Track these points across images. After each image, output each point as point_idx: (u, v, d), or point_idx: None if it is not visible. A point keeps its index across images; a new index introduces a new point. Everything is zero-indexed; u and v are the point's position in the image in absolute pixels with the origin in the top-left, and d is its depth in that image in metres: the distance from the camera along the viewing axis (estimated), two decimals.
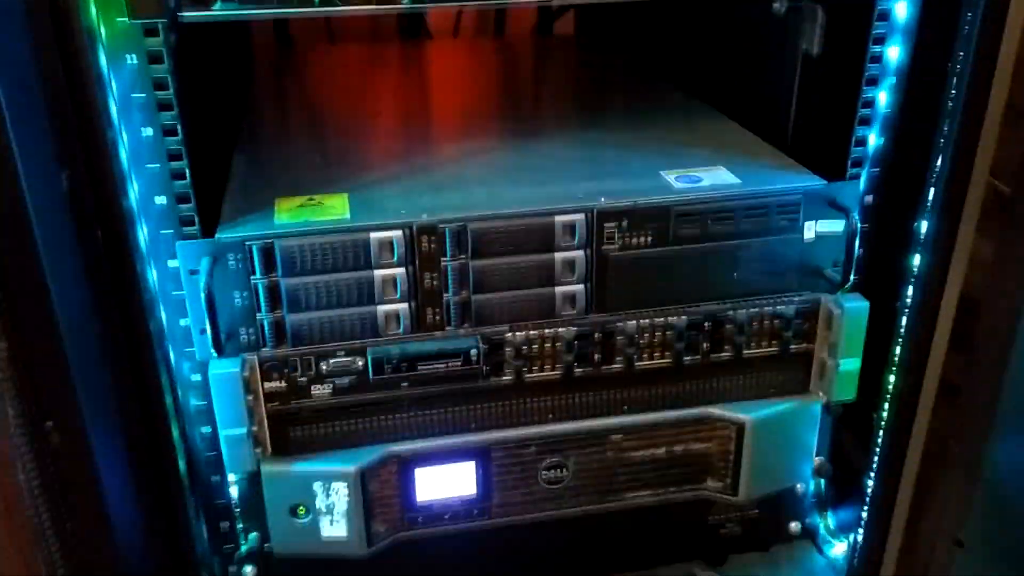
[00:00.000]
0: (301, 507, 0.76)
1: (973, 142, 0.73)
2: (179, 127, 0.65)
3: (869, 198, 0.80)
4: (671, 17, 1.13)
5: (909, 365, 0.81)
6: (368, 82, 1.17)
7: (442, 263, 0.73)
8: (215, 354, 0.70)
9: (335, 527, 0.77)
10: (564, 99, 1.13)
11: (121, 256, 0.63)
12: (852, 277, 0.78)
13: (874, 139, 0.78)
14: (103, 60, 0.62)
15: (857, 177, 0.78)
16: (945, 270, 0.78)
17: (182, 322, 0.72)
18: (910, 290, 0.79)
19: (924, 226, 0.77)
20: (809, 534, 0.95)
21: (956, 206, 0.75)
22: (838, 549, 0.92)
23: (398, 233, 0.71)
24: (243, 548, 0.80)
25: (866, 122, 0.77)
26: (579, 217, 0.73)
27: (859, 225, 0.76)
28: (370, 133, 0.94)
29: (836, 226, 0.77)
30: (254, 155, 0.87)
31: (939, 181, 0.75)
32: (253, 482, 0.76)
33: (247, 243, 0.69)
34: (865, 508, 0.88)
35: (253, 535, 0.80)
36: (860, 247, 0.77)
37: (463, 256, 0.73)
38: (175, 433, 0.72)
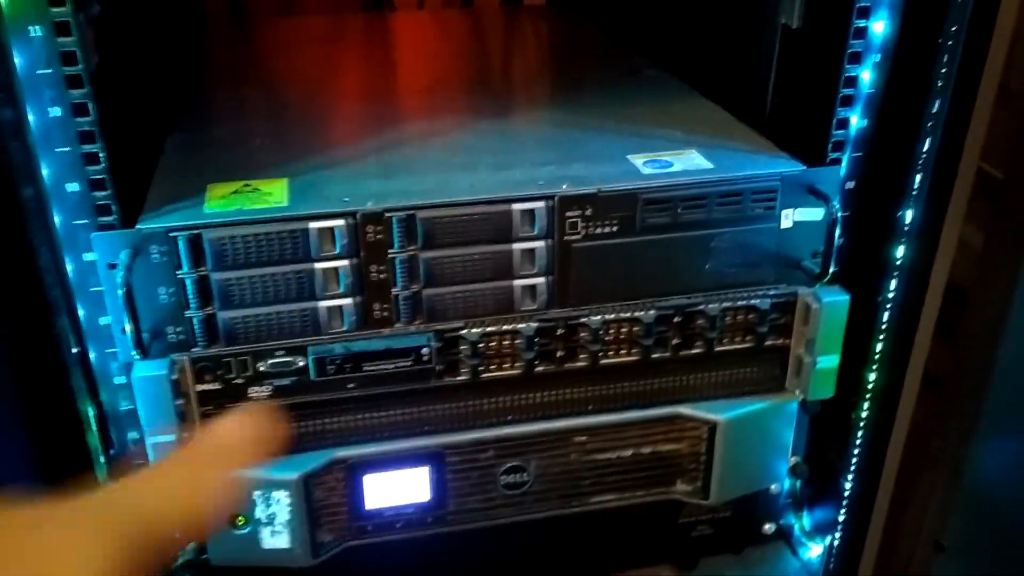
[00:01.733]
0: (240, 517, 0.71)
1: (963, 123, 0.68)
2: (92, 105, 0.58)
3: (851, 184, 0.75)
4: None
5: (891, 361, 0.76)
6: (324, 57, 1.10)
7: (390, 255, 0.67)
8: (138, 356, 0.64)
9: (277, 537, 0.72)
10: (531, 76, 1.07)
11: (22, 248, 0.57)
12: (832, 269, 0.73)
13: (856, 120, 0.73)
14: (3, 31, 0.55)
15: (838, 162, 0.73)
16: (931, 260, 0.73)
17: (103, 320, 0.66)
18: (893, 283, 0.75)
19: (909, 215, 0.72)
20: (783, 535, 0.90)
21: (944, 192, 0.71)
22: (813, 551, 0.88)
23: (341, 222, 0.65)
24: (180, 559, 0.75)
25: (848, 102, 0.72)
26: (539, 205, 0.68)
27: (840, 213, 0.71)
28: (320, 113, 0.88)
29: (815, 214, 0.72)
30: (190, 137, 0.80)
31: (926, 165, 0.70)
32: None
33: (172, 234, 0.63)
34: (842, 509, 0.83)
35: (189, 545, 0.75)
36: (841, 236, 0.72)
37: (413, 247, 0.67)
38: (92, 441, 0.66)
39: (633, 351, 0.74)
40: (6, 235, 0.56)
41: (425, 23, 1.31)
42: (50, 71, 0.57)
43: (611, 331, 0.73)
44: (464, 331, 0.70)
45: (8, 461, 0.58)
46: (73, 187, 0.61)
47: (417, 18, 1.33)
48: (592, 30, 1.19)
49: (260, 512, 0.70)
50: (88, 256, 0.63)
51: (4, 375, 0.58)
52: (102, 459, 0.69)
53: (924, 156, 0.70)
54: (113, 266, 0.62)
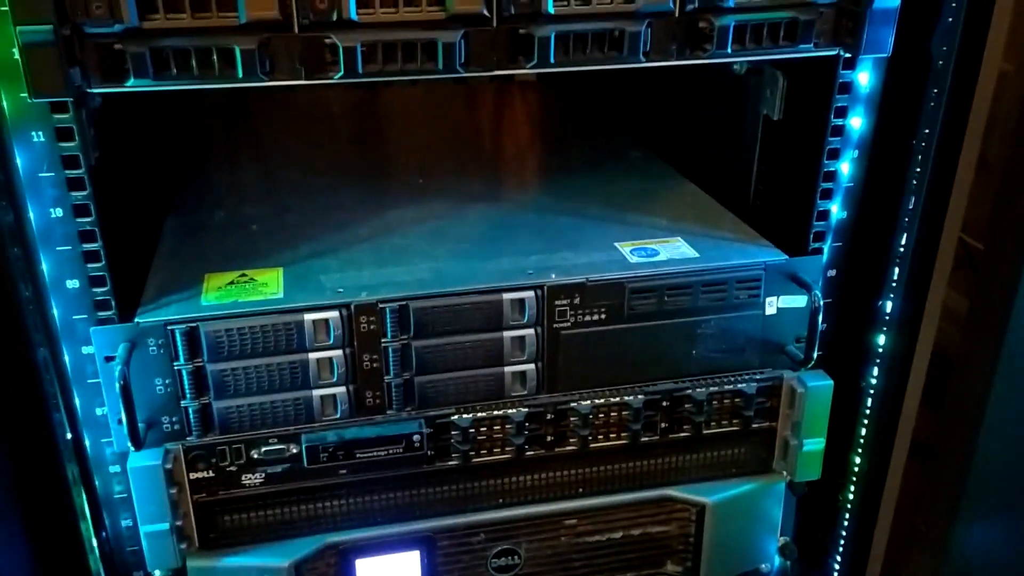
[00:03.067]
0: None
1: (942, 210, 0.70)
2: (92, 206, 0.60)
3: (832, 272, 0.77)
4: (635, 70, 1.10)
5: (876, 444, 0.78)
6: (317, 137, 1.12)
7: (382, 344, 0.68)
8: (133, 449, 0.64)
9: None
10: (520, 158, 1.09)
11: (19, 345, 0.58)
12: (815, 354, 0.74)
13: (837, 211, 0.75)
14: (6, 136, 0.57)
15: (820, 251, 0.75)
16: (912, 348, 0.75)
17: (100, 410, 0.66)
18: (875, 369, 0.76)
19: (889, 305, 0.74)
20: None
21: (924, 281, 0.73)
22: None
23: (334, 314, 0.66)
24: None
25: (828, 195, 0.74)
26: (529, 295, 0.69)
27: (822, 301, 0.73)
28: (314, 197, 0.89)
29: (798, 301, 0.74)
30: (188, 220, 0.82)
31: (905, 257, 0.72)
32: None
33: (169, 327, 0.64)
34: None
35: None
36: (823, 323, 0.74)
37: (405, 336, 0.68)
38: (84, 529, 0.67)
39: (622, 435, 0.75)
40: (4, 333, 0.57)
41: (416, 97, 1.33)
42: (51, 174, 0.59)
43: (600, 416, 0.74)
44: (455, 417, 0.72)
45: (2, 548, 0.58)
46: (73, 284, 0.62)
47: (408, 92, 1.36)
48: (581, 109, 1.21)
49: None
50: (87, 349, 0.64)
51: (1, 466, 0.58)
52: (95, 544, 0.69)
53: (903, 248, 0.72)
54: (111, 359, 0.63)
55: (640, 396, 0.74)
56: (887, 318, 0.74)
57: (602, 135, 1.09)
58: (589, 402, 0.73)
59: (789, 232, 0.76)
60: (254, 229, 0.80)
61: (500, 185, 0.94)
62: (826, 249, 0.75)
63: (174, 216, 0.82)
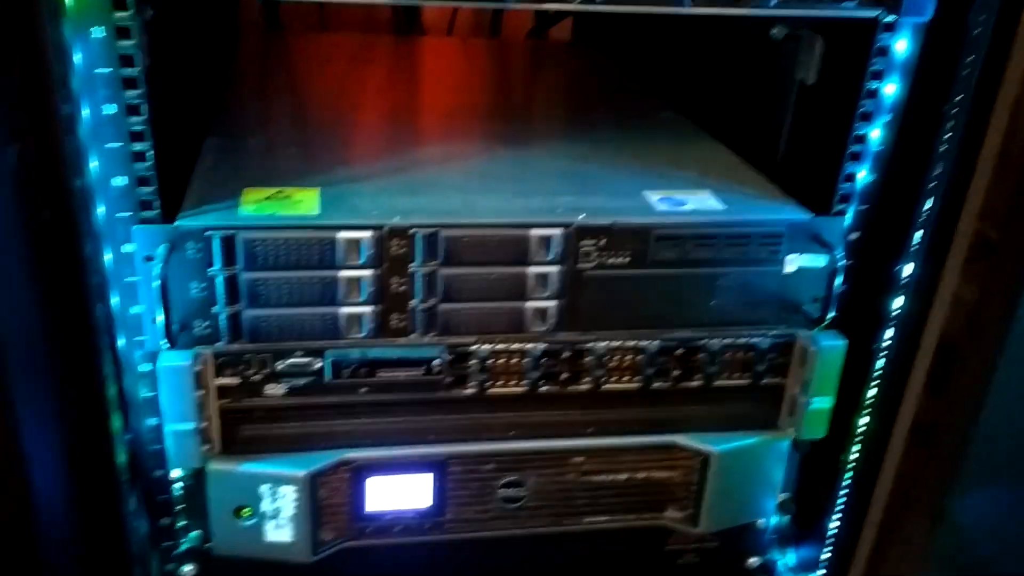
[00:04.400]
0: (246, 509, 0.73)
1: (964, 185, 0.71)
2: (144, 106, 0.62)
3: (854, 235, 0.78)
4: (668, 32, 1.11)
5: (882, 408, 0.79)
6: (354, 75, 1.14)
7: (411, 268, 0.70)
8: (166, 345, 0.67)
9: (280, 531, 0.74)
10: (552, 108, 1.11)
11: (69, 238, 0.60)
12: (830, 314, 0.76)
13: (864, 175, 0.76)
14: (66, 30, 0.59)
15: (843, 213, 0.77)
16: (926, 313, 0.76)
17: (134, 309, 0.69)
18: (888, 332, 0.78)
19: (907, 269, 0.75)
20: (767, 570, 0.93)
21: (942, 249, 0.74)
22: None
23: (367, 234, 0.68)
24: (183, 546, 0.77)
25: (857, 158, 0.75)
26: (556, 232, 0.71)
27: (841, 262, 0.74)
28: (350, 128, 0.91)
29: (818, 261, 0.75)
30: (226, 142, 0.84)
31: (927, 223, 0.74)
32: (198, 479, 0.73)
33: (208, 232, 0.66)
34: (825, 549, 0.86)
35: (194, 533, 0.77)
36: (841, 285, 0.75)
37: (434, 262, 0.70)
38: (116, 424, 0.69)
39: (635, 379, 0.77)
40: (56, 223, 0.60)
41: (453, 49, 1.35)
42: (108, 71, 0.61)
43: (615, 358, 0.76)
44: (475, 346, 0.74)
45: (39, 440, 0.61)
46: (119, 181, 0.64)
47: (445, 44, 1.38)
48: (613, 69, 1.23)
49: (266, 505, 0.73)
50: (126, 248, 0.66)
51: (44, 358, 0.61)
52: (128, 438, 0.72)
53: (925, 214, 0.73)
54: (150, 259, 0.65)
55: (656, 342, 0.76)
56: (903, 283, 0.75)
57: (632, 96, 1.11)
58: (605, 344, 0.75)
59: (815, 193, 0.77)
60: (292, 152, 0.82)
61: (532, 133, 0.96)
62: (850, 211, 0.77)
63: (213, 138, 0.84)
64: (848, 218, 0.77)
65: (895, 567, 0.89)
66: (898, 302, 0.77)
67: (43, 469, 0.61)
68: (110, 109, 0.62)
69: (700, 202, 0.76)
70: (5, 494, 0.60)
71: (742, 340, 0.77)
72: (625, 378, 0.77)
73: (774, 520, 0.89)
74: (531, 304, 0.73)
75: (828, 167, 0.76)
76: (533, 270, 0.72)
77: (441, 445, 0.76)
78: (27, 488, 0.60)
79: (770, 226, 0.74)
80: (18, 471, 0.60)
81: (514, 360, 0.75)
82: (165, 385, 0.68)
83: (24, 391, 0.57)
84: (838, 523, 0.84)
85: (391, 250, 0.69)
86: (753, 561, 0.91)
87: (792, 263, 0.75)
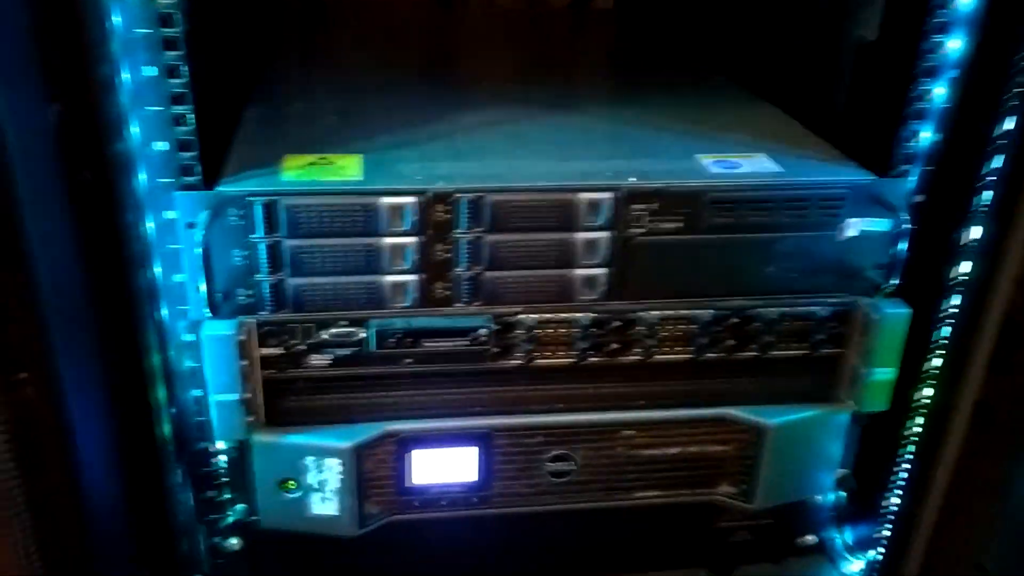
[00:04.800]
0: (291, 481, 0.72)
1: None
2: (184, 68, 0.61)
3: (918, 197, 0.74)
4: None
5: (946, 378, 0.76)
6: (395, 42, 1.12)
7: (456, 235, 0.68)
8: (209, 314, 0.66)
9: (326, 504, 0.73)
10: (597, 74, 1.08)
11: (110, 203, 0.59)
12: (894, 281, 0.73)
13: (927, 135, 0.73)
14: None
15: (906, 174, 0.73)
16: (992, 281, 0.73)
17: (177, 278, 0.68)
18: (953, 300, 0.74)
19: (974, 232, 0.72)
20: (824, 548, 0.90)
21: (1010, 209, 0.70)
22: (854, 567, 0.88)
23: (411, 199, 0.66)
24: (228, 519, 0.77)
25: (920, 116, 0.71)
26: (606, 196, 0.68)
27: (906, 226, 0.71)
28: (392, 94, 0.89)
29: (881, 225, 0.72)
30: (267, 107, 0.82)
31: (995, 184, 0.70)
32: (243, 451, 0.72)
33: (249, 198, 0.64)
34: (885, 526, 0.83)
35: (240, 506, 0.76)
36: (905, 250, 0.72)
37: (479, 229, 0.68)
38: (160, 395, 0.69)
39: (687, 350, 0.75)
40: (99, 188, 0.58)
41: (494, 17, 1.32)
42: (148, 31, 0.60)
43: (666, 328, 0.74)
44: (521, 316, 0.71)
45: (85, 412, 0.60)
46: (160, 146, 0.63)
47: (487, 12, 1.35)
48: (658, 37, 1.19)
49: (311, 478, 0.72)
50: (168, 215, 0.65)
51: (87, 328, 0.60)
52: (172, 411, 0.71)
53: (992, 174, 0.69)
54: (192, 226, 0.64)
55: (709, 311, 0.73)
56: (970, 247, 0.71)
57: (679, 61, 1.08)
58: (657, 313, 0.73)
59: (876, 154, 0.73)
60: (333, 119, 0.80)
61: (577, 98, 0.93)
62: (913, 173, 0.73)
63: (253, 105, 0.83)
64: (912, 179, 0.73)
65: (957, 544, 0.85)
66: (964, 268, 0.73)
67: (88, 441, 0.60)
68: (150, 71, 0.61)
69: (755, 164, 0.73)
70: (53, 466, 0.59)
71: (799, 308, 0.74)
72: (677, 349, 0.74)
73: (831, 496, 0.87)
74: (579, 272, 0.71)
75: (890, 126, 0.73)
76: (581, 236, 0.69)
77: (487, 417, 0.75)
78: (73, 460, 0.59)
79: (831, 188, 0.71)
80: (64, 443, 0.59)
81: (561, 330, 0.72)
82: (208, 355, 0.67)
83: (67, 360, 0.56)
84: (898, 499, 0.81)
85: (435, 216, 0.67)
86: (809, 539, 0.89)
87: (853, 227, 0.72)
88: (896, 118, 0.72)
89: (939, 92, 0.71)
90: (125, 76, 0.60)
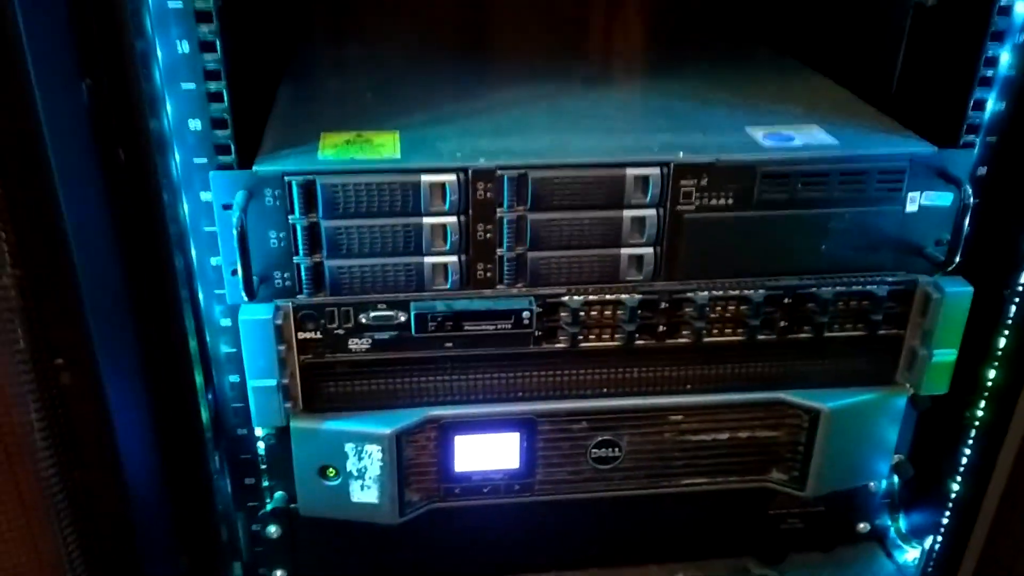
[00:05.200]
0: (331, 468, 0.71)
1: None
2: (218, 42, 0.58)
3: (981, 170, 0.71)
4: None
5: (1014, 357, 0.72)
6: (432, 17, 1.09)
7: (498, 214, 0.66)
8: (246, 298, 0.64)
9: (366, 492, 0.72)
10: (638, 46, 1.04)
11: (146, 182, 0.57)
12: (957, 257, 0.69)
13: (992, 103, 0.69)
14: None
15: (971, 145, 0.69)
16: None
17: (213, 261, 0.66)
18: (1021, 278, 0.71)
19: None
20: (877, 536, 0.87)
21: None
22: (910, 555, 0.85)
23: (451, 177, 0.64)
24: (268, 506, 0.75)
25: (987, 83, 0.68)
26: (653, 171, 0.66)
27: (970, 199, 0.67)
28: (429, 69, 0.87)
29: (943, 199, 0.68)
30: (302, 85, 0.80)
31: None
32: (282, 438, 0.71)
33: (287, 178, 0.62)
34: (946, 512, 0.80)
35: (279, 494, 0.75)
36: (968, 225, 0.68)
37: (521, 207, 0.66)
38: (198, 381, 0.67)
39: (738, 331, 0.72)
40: (132, 167, 0.57)
41: None
42: (179, 5, 0.58)
43: (717, 308, 0.71)
44: (566, 298, 0.69)
45: (123, 398, 0.59)
46: (195, 125, 0.61)
47: None
48: (703, 7, 1.15)
49: (351, 465, 0.70)
50: (204, 196, 0.64)
51: (124, 311, 0.58)
52: (207, 400, 0.70)
53: None
54: (228, 207, 0.62)
55: (761, 291, 0.70)
56: None
57: (722, 30, 1.04)
58: (707, 293, 0.70)
59: (937, 124, 0.70)
60: (369, 97, 0.78)
61: (619, 71, 0.90)
62: (978, 143, 0.70)
63: (289, 83, 0.81)
64: (976, 150, 0.70)
65: (1021, 532, 0.82)
66: None
67: (127, 427, 0.59)
68: (184, 47, 0.59)
69: (809, 137, 0.70)
70: (91, 453, 0.58)
71: (856, 287, 0.71)
72: (728, 330, 0.72)
73: (885, 483, 0.83)
74: (626, 251, 0.68)
75: (953, 95, 0.69)
76: (628, 214, 0.67)
77: (530, 403, 0.72)
78: (113, 447, 0.58)
79: (891, 160, 0.67)
80: (103, 429, 0.58)
81: (608, 312, 0.70)
82: (246, 339, 0.65)
83: (104, 345, 0.55)
84: (958, 485, 0.78)
85: (476, 195, 0.65)
86: (862, 527, 0.86)
87: (914, 201, 0.69)
88: (961, 86, 0.68)
89: (1004, 58, 0.68)
90: (159, 52, 0.58)
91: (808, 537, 0.85)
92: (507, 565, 0.84)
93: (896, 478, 0.83)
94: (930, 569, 0.82)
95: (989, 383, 0.74)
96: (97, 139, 0.53)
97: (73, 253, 0.51)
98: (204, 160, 0.62)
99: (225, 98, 0.60)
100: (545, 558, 0.84)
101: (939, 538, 0.81)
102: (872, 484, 0.82)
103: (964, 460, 0.77)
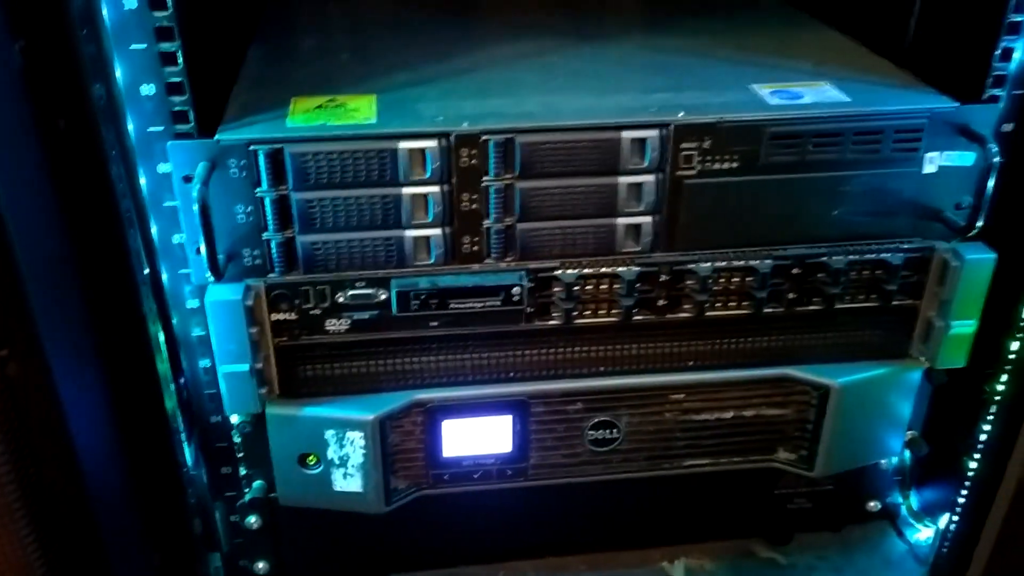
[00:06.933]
0: (311, 456, 0.67)
1: None
2: None
3: (1007, 126, 0.66)
4: None
5: None
6: None
7: (484, 182, 0.61)
8: (212, 278, 0.59)
9: (349, 480, 0.68)
10: (639, 3, 0.98)
11: (91, 154, 0.52)
12: (979, 223, 0.64)
13: (1020, 52, 0.64)
14: None
15: (996, 99, 0.64)
16: None
17: (176, 238, 0.61)
18: None
19: None
20: (888, 515, 0.83)
21: None
22: (922, 534, 0.81)
23: (432, 143, 0.59)
24: (247, 496, 0.71)
25: (1015, 30, 0.62)
26: (652, 133, 0.61)
27: (995, 159, 0.62)
28: (411, 27, 0.81)
29: (965, 159, 0.63)
30: (275, 46, 0.75)
31: None
32: (258, 425, 0.67)
33: (252, 147, 0.57)
34: (963, 490, 0.76)
35: (258, 483, 0.71)
36: (992, 186, 0.63)
37: (509, 175, 0.61)
38: (161, 366, 0.63)
39: (743, 304, 0.67)
40: (75, 137, 0.52)
41: None
42: None
43: (720, 280, 0.66)
44: (559, 271, 0.64)
45: (77, 387, 0.54)
46: (148, 89, 0.56)
47: None
48: None
49: (333, 453, 0.66)
50: (163, 168, 0.58)
51: (73, 294, 0.54)
52: (172, 387, 0.65)
53: None
54: (189, 179, 0.57)
55: (768, 261, 0.66)
56: None
57: None
58: (710, 264, 0.65)
59: (959, 78, 0.65)
60: (345, 58, 0.72)
61: (616, 26, 0.84)
62: (1004, 97, 0.64)
63: (258, 45, 0.76)
64: (1001, 105, 0.64)
65: None
66: None
67: (84, 419, 0.55)
68: (131, 3, 0.53)
69: (819, 94, 0.65)
70: (46, 447, 0.53)
71: (870, 256, 0.66)
72: (732, 303, 0.67)
73: (896, 460, 0.80)
74: (623, 220, 0.63)
75: (977, 44, 0.64)
76: (625, 180, 0.62)
77: (523, 383, 0.68)
78: (68, 440, 0.54)
79: (908, 117, 0.62)
80: (57, 422, 0.53)
81: (604, 285, 0.65)
82: (214, 322, 0.61)
83: (53, 332, 0.50)
84: (980, 463, 0.74)
85: (460, 162, 0.60)
86: (872, 505, 0.82)
87: (933, 162, 0.64)
88: (986, 33, 0.63)
89: None
90: (104, 9, 0.53)
91: (816, 516, 0.81)
92: (501, 552, 0.80)
93: (908, 454, 0.78)
94: (945, 548, 0.78)
95: (1012, 355, 0.69)
96: (33, 106, 0.47)
97: (11, 232, 0.46)
98: (160, 128, 0.57)
99: (180, 60, 0.55)
100: (540, 544, 0.81)
101: (955, 517, 0.77)
102: (884, 461, 0.78)
103: (983, 436, 0.73)
